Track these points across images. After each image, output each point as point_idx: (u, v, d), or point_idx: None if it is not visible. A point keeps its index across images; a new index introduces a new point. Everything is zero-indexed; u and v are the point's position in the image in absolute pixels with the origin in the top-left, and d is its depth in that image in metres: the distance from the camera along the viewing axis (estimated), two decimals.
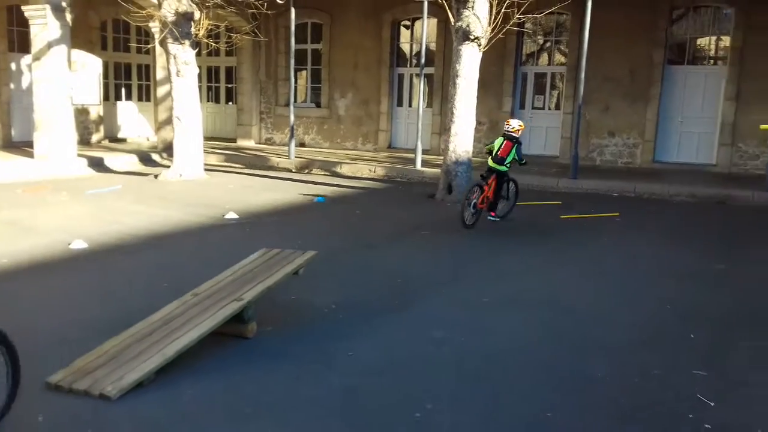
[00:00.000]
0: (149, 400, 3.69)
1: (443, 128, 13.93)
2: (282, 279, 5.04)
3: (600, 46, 14.49)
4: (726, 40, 14.69)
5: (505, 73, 16.26)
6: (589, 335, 4.95)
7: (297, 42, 16.52)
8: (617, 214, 10.14)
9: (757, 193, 11.69)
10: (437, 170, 12.44)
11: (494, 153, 9.15)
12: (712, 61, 15.21)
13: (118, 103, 19.11)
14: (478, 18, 10.73)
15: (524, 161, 9.26)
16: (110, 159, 14.89)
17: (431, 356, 4.47)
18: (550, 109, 16.47)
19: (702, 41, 15.37)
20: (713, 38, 15.18)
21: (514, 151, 9.01)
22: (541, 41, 16.73)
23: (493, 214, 9.25)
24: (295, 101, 16.72)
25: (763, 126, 9.28)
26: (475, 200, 8.78)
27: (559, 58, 16.47)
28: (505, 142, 9.09)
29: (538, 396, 3.90)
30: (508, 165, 9.11)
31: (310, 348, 4.53)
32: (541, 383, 4.08)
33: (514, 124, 9.19)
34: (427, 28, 14.67)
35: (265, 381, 4.02)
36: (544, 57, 16.79)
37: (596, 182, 12.91)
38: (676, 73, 15.00)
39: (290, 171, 14.90)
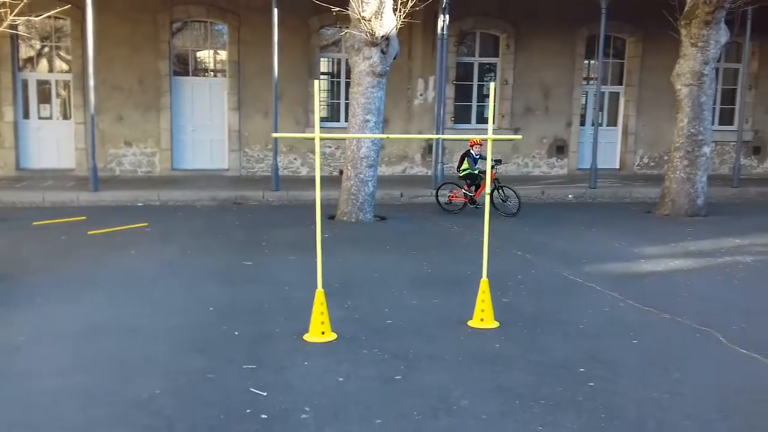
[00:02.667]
0: None
1: None
2: None
3: (107, 54, 14.23)
4: (223, 54, 16.05)
5: (3, 80, 14.56)
6: (139, 353, 4.87)
7: None
8: (146, 224, 10.19)
9: (266, 192, 13.21)
10: None
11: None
12: (213, 73, 16.41)
13: None
14: None
15: (476, 170, 11.54)
16: None
17: None
18: (59, 118, 15.39)
19: (202, 54, 16.43)
20: (212, 51, 16.39)
21: (465, 162, 11.61)
22: (38, 46, 15.42)
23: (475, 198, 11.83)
24: None
25: (274, 135, 11.81)
26: (449, 194, 11.94)
27: (61, 65, 15.47)
28: (460, 156, 11.96)
29: None
30: (463, 171, 11.65)
31: None
32: (93, 418, 3.83)
33: (469, 143, 11.80)
34: None
35: None
36: (44, 63, 15.55)
37: (120, 193, 12.69)
38: (182, 83, 15.73)
39: None
